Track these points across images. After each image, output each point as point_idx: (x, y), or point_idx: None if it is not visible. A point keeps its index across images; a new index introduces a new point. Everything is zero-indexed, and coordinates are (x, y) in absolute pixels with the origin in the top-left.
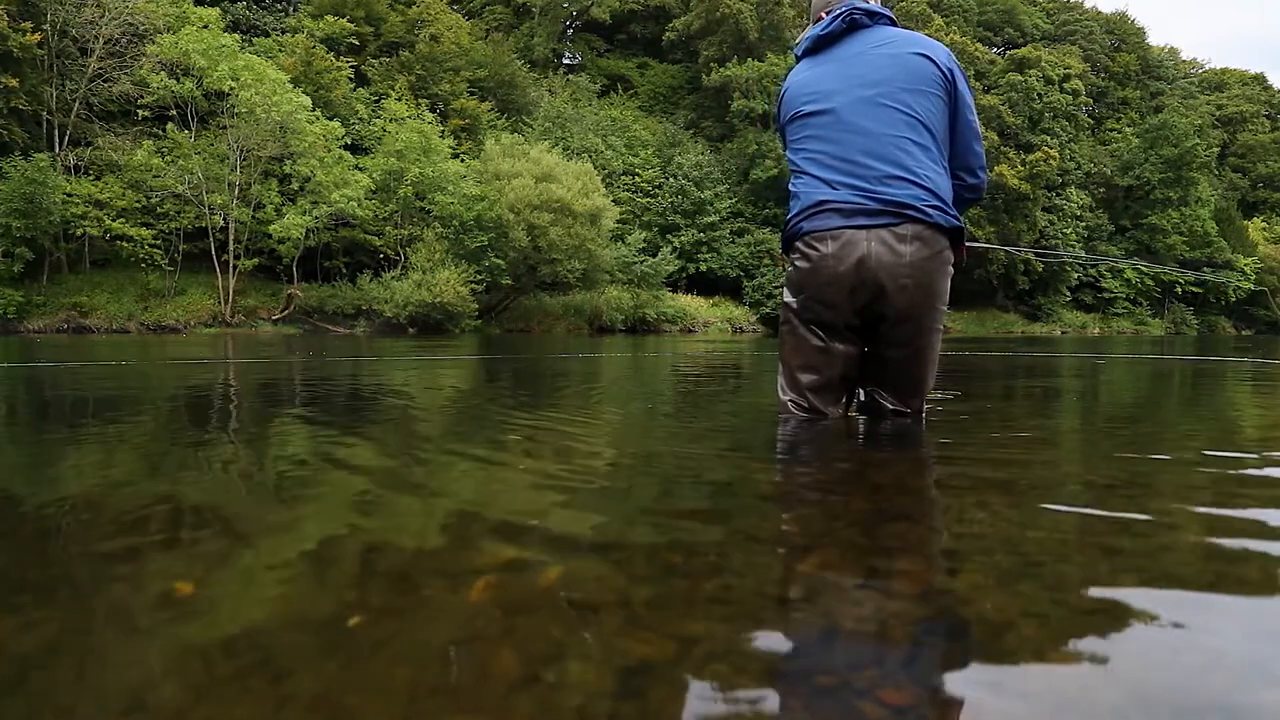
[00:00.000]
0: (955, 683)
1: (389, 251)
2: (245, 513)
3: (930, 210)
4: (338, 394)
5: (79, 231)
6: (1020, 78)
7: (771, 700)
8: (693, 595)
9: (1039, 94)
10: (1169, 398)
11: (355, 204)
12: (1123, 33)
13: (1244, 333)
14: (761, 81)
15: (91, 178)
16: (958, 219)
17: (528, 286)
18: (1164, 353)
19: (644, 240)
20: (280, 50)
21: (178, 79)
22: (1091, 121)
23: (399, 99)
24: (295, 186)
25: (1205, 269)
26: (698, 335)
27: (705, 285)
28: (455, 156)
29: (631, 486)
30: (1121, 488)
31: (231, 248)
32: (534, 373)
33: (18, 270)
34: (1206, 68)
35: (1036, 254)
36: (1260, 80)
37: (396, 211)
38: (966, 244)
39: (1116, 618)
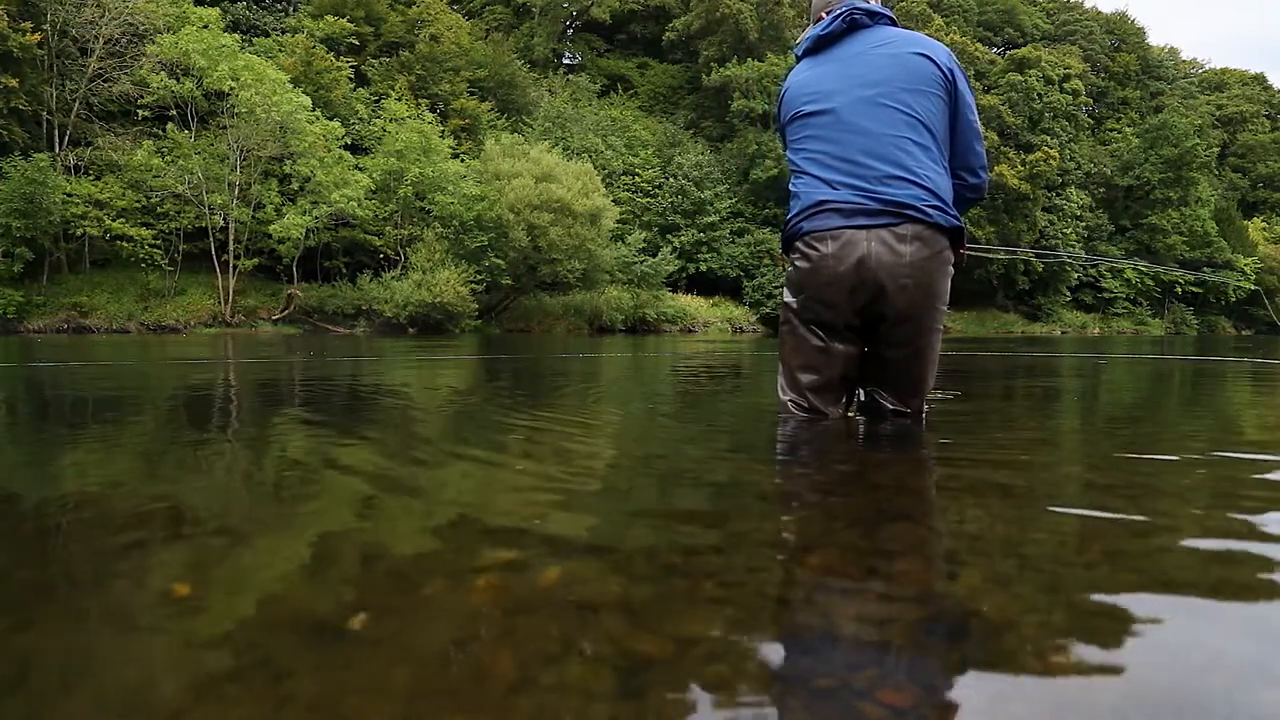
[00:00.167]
0: (955, 684)
1: (389, 251)
2: (243, 513)
3: (930, 210)
4: (337, 394)
5: (79, 231)
6: (1020, 78)
7: (771, 701)
8: (693, 596)
9: (1039, 94)
10: (1169, 398)
11: (355, 204)
12: (1123, 33)
13: (1244, 333)
14: (761, 81)
15: (91, 178)
16: (958, 219)
17: (528, 286)
18: (1164, 353)
19: (644, 240)
20: (280, 50)
21: (178, 79)
22: (1091, 121)
23: (399, 99)
24: (295, 186)
25: (1205, 269)
26: (698, 335)
27: (705, 285)
28: (455, 156)
29: (631, 487)
30: (1122, 488)
31: (231, 248)
32: (534, 373)
33: (18, 270)
34: (1206, 68)
35: (1036, 254)
36: (1260, 80)
37: (396, 211)
38: (966, 246)
39: (1117, 619)
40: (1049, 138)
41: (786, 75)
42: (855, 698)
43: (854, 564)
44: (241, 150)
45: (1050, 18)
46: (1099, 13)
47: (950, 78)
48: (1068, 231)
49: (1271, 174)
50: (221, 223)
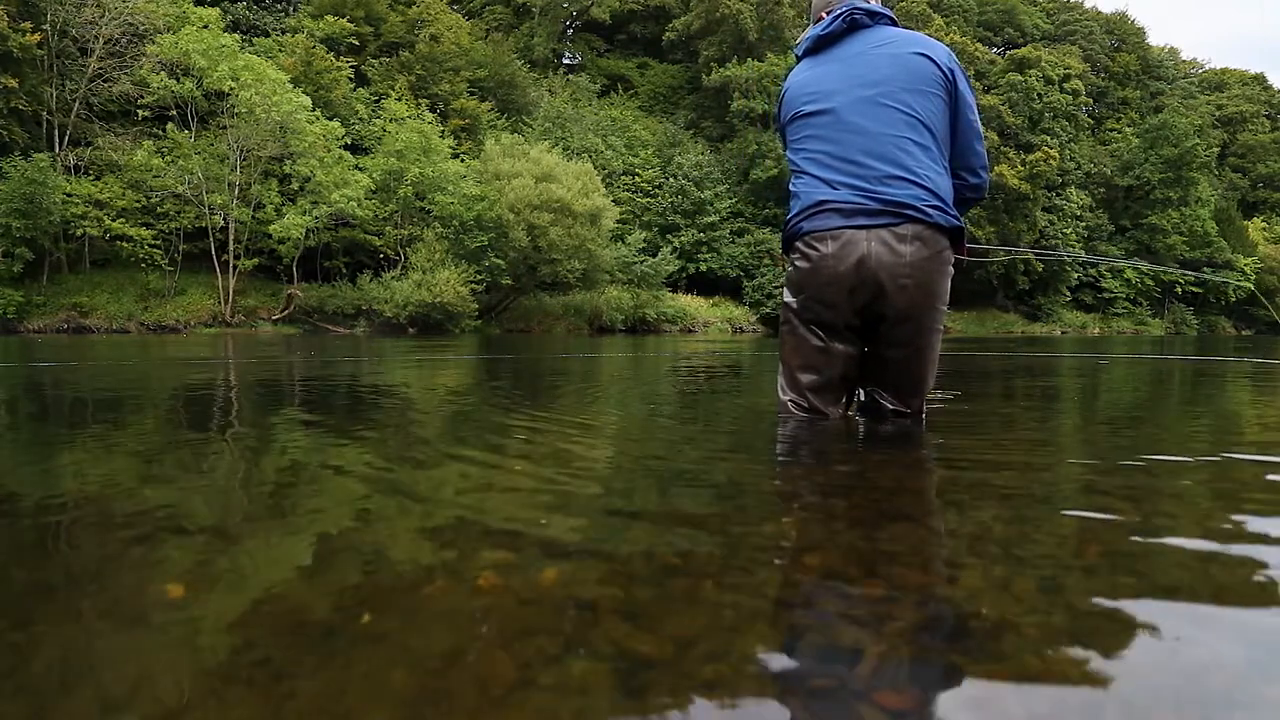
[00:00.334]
0: (954, 685)
1: (389, 251)
2: (242, 514)
3: (930, 210)
4: (337, 394)
5: (79, 231)
6: (1020, 78)
7: (770, 702)
8: (692, 597)
9: (1039, 94)
10: (1169, 398)
11: (355, 204)
12: (1123, 33)
13: (1244, 333)
14: (761, 81)
15: (91, 178)
16: (958, 219)
17: (528, 286)
18: (1164, 353)
19: (644, 240)
20: (280, 50)
21: (178, 79)
22: (1091, 121)
23: (399, 99)
24: (295, 186)
25: (1205, 269)
26: (698, 335)
27: (705, 285)
28: (455, 156)
29: (631, 488)
30: (1122, 489)
31: (231, 248)
32: (533, 373)
33: (18, 270)
34: (1206, 68)
35: (1036, 254)
36: (1260, 80)
37: (396, 211)
38: (968, 248)
39: (1116, 620)
40: (1049, 138)
41: (787, 75)
42: (853, 699)
43: (853, 565)
44: (241, 150)
45: (1050, 18)
46: (1099, 13)
47: (950, 78)
48: (1068, 231)
49: (1271, 174)
50: (221, 223)
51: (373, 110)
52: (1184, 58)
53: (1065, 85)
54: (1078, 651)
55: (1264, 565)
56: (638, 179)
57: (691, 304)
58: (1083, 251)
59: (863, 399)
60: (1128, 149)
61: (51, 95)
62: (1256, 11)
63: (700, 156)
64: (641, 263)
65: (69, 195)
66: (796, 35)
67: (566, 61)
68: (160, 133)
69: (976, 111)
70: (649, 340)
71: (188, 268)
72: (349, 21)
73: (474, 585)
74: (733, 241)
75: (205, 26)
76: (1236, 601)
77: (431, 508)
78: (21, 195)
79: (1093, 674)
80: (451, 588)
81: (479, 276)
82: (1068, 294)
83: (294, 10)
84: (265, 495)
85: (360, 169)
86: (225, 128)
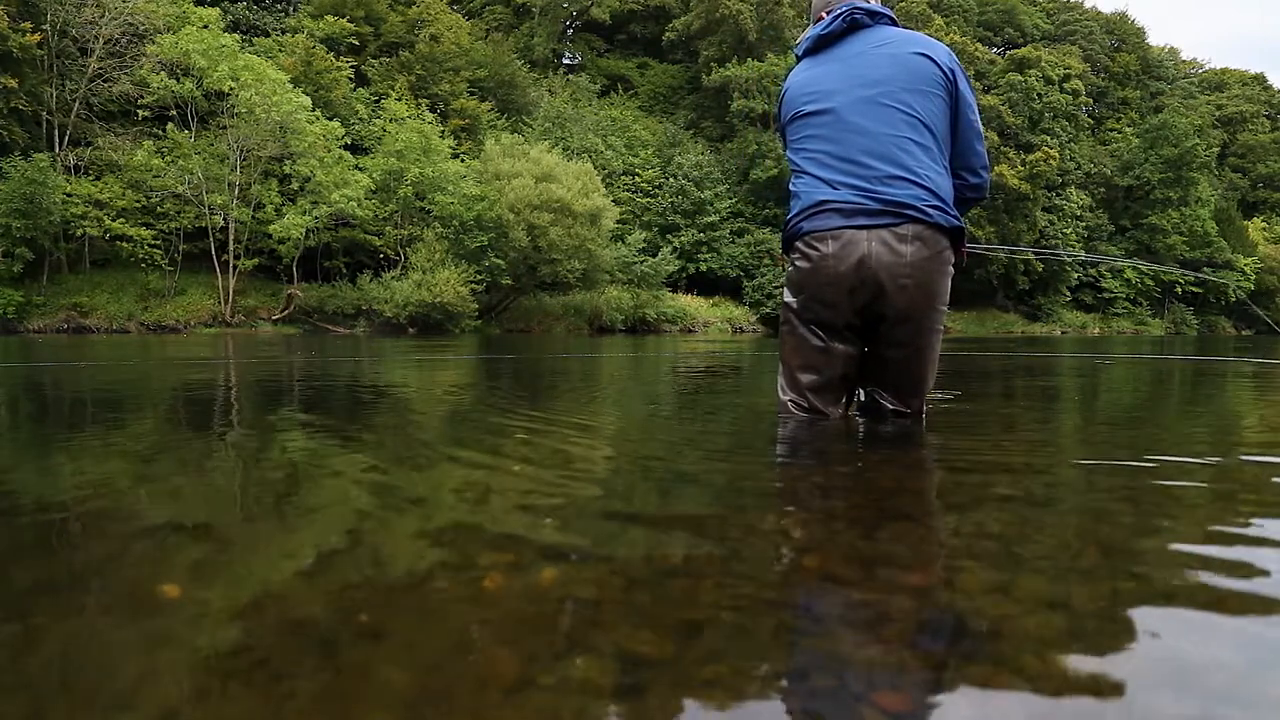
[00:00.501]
0: (954, 685)
1: (389, 251)
2: (241, 514)
3: (931, 210)
4: (337, 395)
5: (79, 231)
6: (1020, 78)
7: (770, 702)
8: (692, 597)
9: (1039, 94)
10: (1170, 398)
11: (355, 204)
12: (1123, 33)
13: (1244, 333)
14: (761, 81)
15: (91, 178)
16: (958, 219)
17: (528, 286)
18: (1164, 353)
19: (644, 240)
20: (280, 50)
21: (178, 79)
22: (1091, 121)
23: (399, 99)
24: (295, 186)
25: (1205, 269)
26: (698, 335)
27: (705, 285)
28: (455, 156)
29: (631, 488)
30: (1122, 490)
31: (231, 248)
32: (533, 373)
33: (18, 270)
34: (1206, 68)
35: (1036, 254)
36: (1260, 80)
37: (396, 211)
38: (967, 247)
39: (1116, 621)
40: (1049, 138)
41: (787, 75)
42: (853, 699)
43: (853, 566)
44: (241, 150)
45: (1050, 18)
46: (1099, 13)
47: (951, 78)
48: (1068, 231)
49: (1271, 174)
50: (221, 223)
51: (373, 110)
52: (1184, 58)
53: (1065, 85)
54: (1078, 652)
55: (1264, 566)
56: (638, 179)
57: (691, 304)
58: (1083, 252)
59: (863, 399)
60: (1128, 149)
61: (51, 95)
62: (1256, 11)
63: (700, 156)
64: (641, 263)
65: (69, 195)
66: (796, 35)
67: (566, 61)
68: (160, 133)
69: (977, 111)
70: (649, 340)
71: (188, 268)
72: (349, 21)
73: (474, 586)
74: (733, 241)
75: (205, 26)
76: (1237, 602)
77: (431, 508)
78: (21, 195)
79: (1093, 675)
80: (451, 588)
81: (479, 276)
82: (1068, 294)
83: (294, 10)
84: (264, 495)
85: (360, 169)
86: (225, 128)
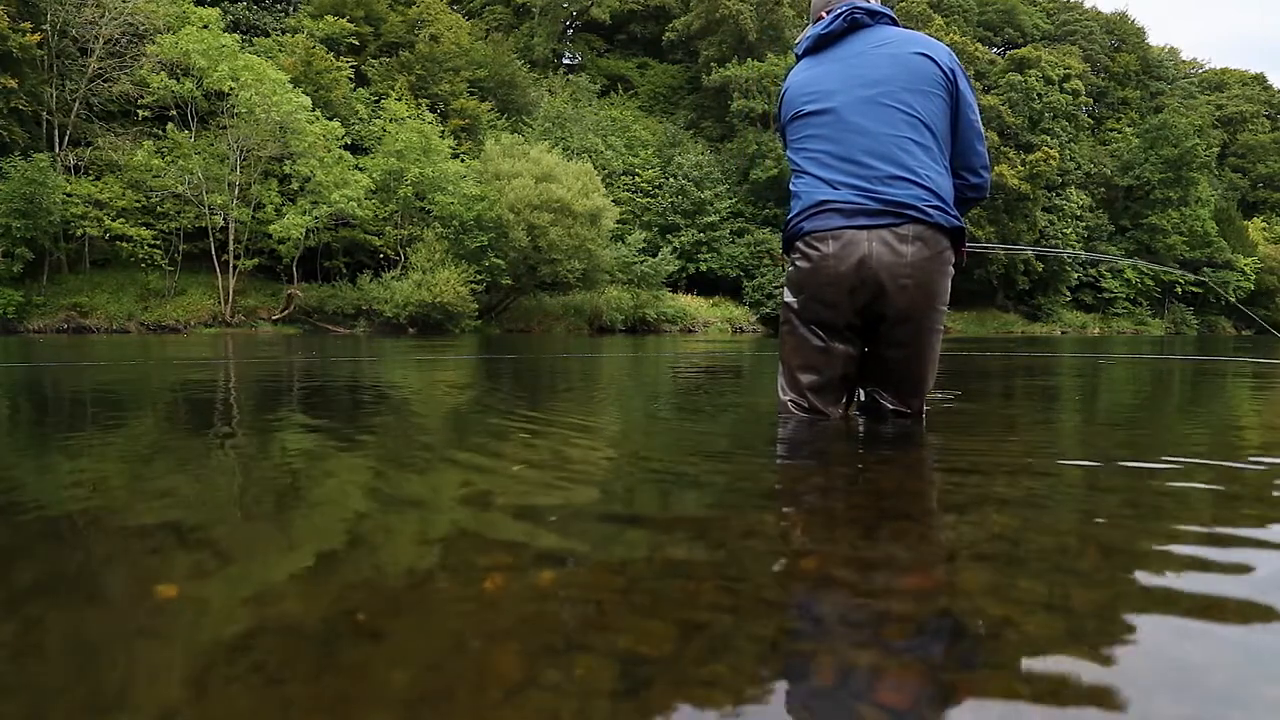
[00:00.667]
0: (954, 686)
1: (389, 251)
2: (240, 515)
3: (931, 210)
4: (336, 395)
5: (79, 231)
6: (1020, 78)
7: (770, 701)
8: (692, 597)
9: (1039, 94)
10: (1170, 399)
11: (355, 204)
12: (1123, 33)
13: (1244, 333)
14: (761, 81)
15: (91, 178)
16: (959, 219)
17: (528, 286)
18: (1164, 353)
19: (644, 240)
20: (280, 50)
21: (178, 79)
22: (1091, 121)
23: (399, 99)
24: (295, 186)
25: (1205, 269)
26: (698, 335)
27: (705, 285)
28: (455, 156)
29: (631, 488)
30: (1122, 489)
31: (231, 248)
32: (533, 373)
33: (18, 270)
34: (1206, 68)
35: (1035, 253)
36: (1260, 80)
37: (396, 211)
38: (967, 246)
39: (1117, 620)
40: (1049, 138)
41: (787, 75)
42: (853, 699)
43: (853, 566)
44: (241, 150)
45: (1050, 18)
46: (1099, 13)
47: (951, 78)
48: (1068, 231)
49: (1271, 174)
50: (221, 223)
51: (373, 110)
52: (1184, 58)
53: (1065, 85)
54: (1078, 653)
55: (1264, 568)
56: (638, 179)
57: (691, 304)
58: (1083, 252)
59: (863, 399)
60: (1128, 149)
61: (51, 95)
62: (1256, 11)
63: (700, 156)
64: (641, 263)
65: (69, 195)
66: (796, 35)
67: (566, 61)
68: (160, 133)
69: (977, 111)
70: (649, 340)
71: (188, 268)
72: (349, 21)
73: (474, 586)
74: (733, 241)
75: (205, 26)
76: (1237, 603)
77: (430, 509)
78: (21, 195)
79: (1093, 675)
80: (451, 589)
81: (479, 276)
82: (1068, 294)
83: (294, 10)
84: (263, 496)
85: (360, 169)
86: (225, 128)
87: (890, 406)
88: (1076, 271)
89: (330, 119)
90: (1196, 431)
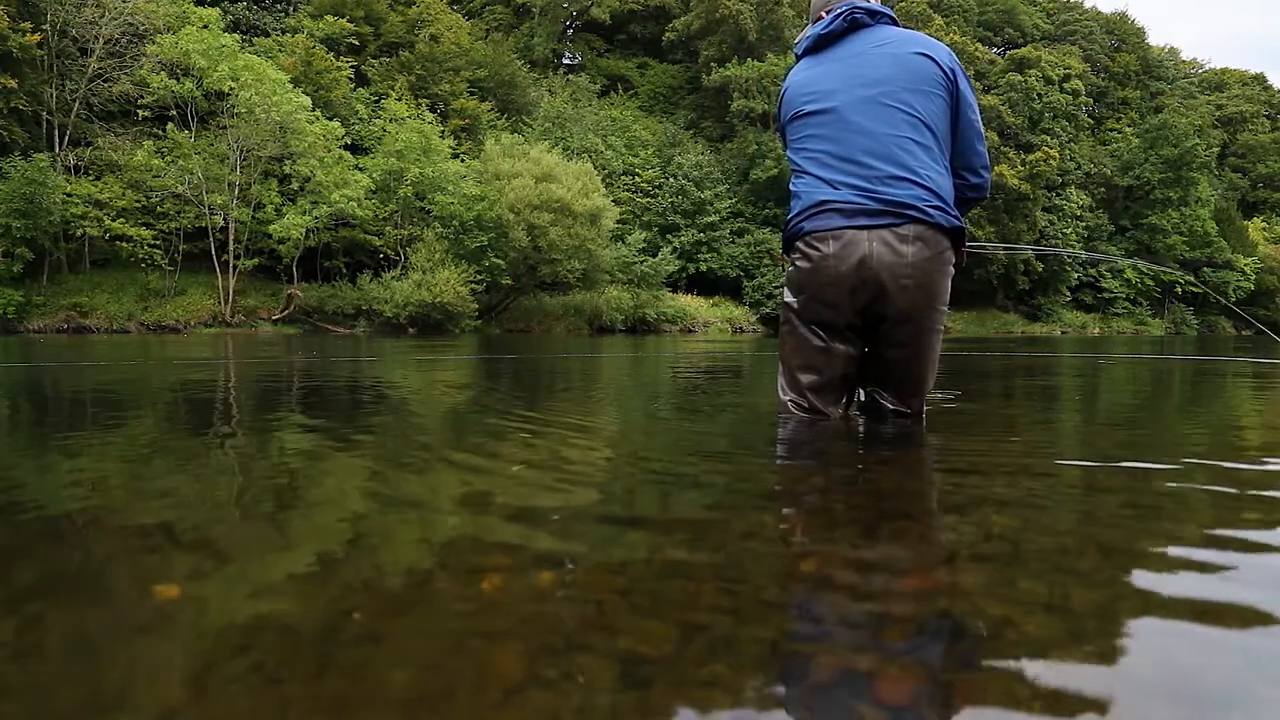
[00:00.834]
0: (954, 686)
1: (389, 251)
2: (239, 515)
3: (932, 210)
4: (336, 395)
5: (79, 231)
6: (1020, 78)
7: (770, 700)
8: (692, 597)
9: (1039, 94)
10: (1171, 399)
11: (355, 204)
12: (1123, 33)
13: (1244, 333)
14: (761, 81)
15: (91, 178)
16: (959, 219)
17: (528, 286)
18: (1164, 353)
19: (644, 240)
20: (280, 50)
21: (178, 79)
22: (1091, 121)
23: (399, 99)
24: (295, 186)
25: (1205, 269)
26: (698, 335)
27: (705, 285)
28: (455, 156)
29: (630, 489)
30: (1122, 490)
31: (231, 248)
32: (533, 373)
33: (18, 270)
34: (1206, 68)
35: (1035, 253)
36: (1260, 80)
37: (396, 211)
38: (967, 245)
39: (1116, 621)
40: (1049, 138)
41: (786, 74)
42: (853, 698)
43: (853, 565)
44: (241, 150)
45: (1050, 18)
46: (1099, 13)
47: (951, 78)
48: (1068, 231)
49: (1271, 174)
50: (221, 223)
51: (373, 110)
52: (1184, 58)
53: (1065, 85)
54: (1078, 653)
55: (1264, 570)
56: (638, 179)
57: (691, 304)
58: (1083, 252)
59: (863, 399)
60: (1128, 149)
61: (51, 95)
62: (1256, 11)
63: (700, 156)
64: (641, 263)
65: (69, 195)
66: (796, 35)
67: (566, 61)
68: (160, 133)
69: (977, 111)
70: (649, 340)
71: (188, 268)
72: (349, 21)
73: (474, 586)
74: (733, 241)
75: (205, 26)
76: (1236, 604)
77: (430, 510)
78: (21, 195)
79: (1092, 675)
80: (450, 589)
81: (479, 276)
82: (1068, 294)
83: (294, 10)
84: (263, 496)
85: (360, 169)
86: (225, 128)
87: (890, 406)
88: (1076, 272)
89: (330, 119)
90: (1196, 432)
